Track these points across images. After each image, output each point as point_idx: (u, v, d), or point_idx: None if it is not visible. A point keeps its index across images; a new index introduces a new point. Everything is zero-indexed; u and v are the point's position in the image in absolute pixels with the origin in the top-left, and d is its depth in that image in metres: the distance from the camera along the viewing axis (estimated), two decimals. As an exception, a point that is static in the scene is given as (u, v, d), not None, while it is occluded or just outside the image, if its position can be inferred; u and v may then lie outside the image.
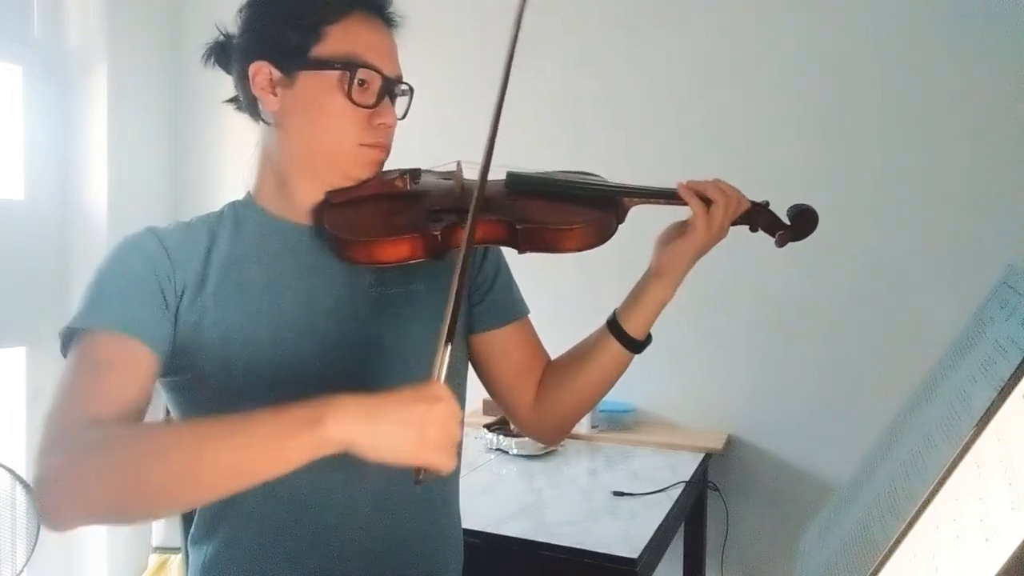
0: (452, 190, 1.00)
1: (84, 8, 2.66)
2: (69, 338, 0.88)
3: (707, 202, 0.96)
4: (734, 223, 1.00)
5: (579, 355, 1.07)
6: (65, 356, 0.88)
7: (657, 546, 1.60)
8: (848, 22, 2.17)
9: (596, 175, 1.09)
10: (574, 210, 0.98)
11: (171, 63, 2.90)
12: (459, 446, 0.75)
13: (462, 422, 0.75)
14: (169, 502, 0.75)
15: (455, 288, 0.80)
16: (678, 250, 0.98)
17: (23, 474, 2.01)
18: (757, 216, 1.02)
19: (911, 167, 2.12)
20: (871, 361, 2.13)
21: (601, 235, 0.97)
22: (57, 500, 0.74)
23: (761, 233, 1.04)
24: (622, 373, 1.06)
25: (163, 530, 2.62)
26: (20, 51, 2.57)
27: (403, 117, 1.01)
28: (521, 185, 1.02)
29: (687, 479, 1.90)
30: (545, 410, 1.10)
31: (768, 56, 2.25)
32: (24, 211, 2.60)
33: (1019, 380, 0.54)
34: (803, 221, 1.03)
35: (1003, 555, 0.44)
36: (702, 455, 2.13)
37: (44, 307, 2.61)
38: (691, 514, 2.11)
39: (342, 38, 0.93)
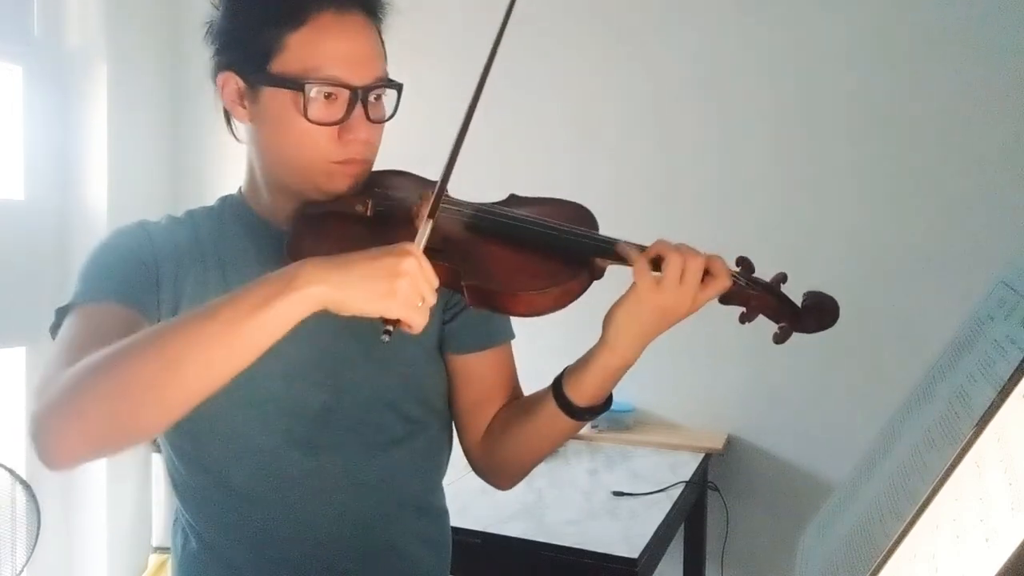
0: (414, 221, 0.86)
1: (84, 8, 2.66)
2: (61, 318, 0.86)
3: (657, 262, 0.83)
4: (725, 302, 0.86)
5: (525, 408, 0.97)
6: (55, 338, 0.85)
7: (657, 546, 1.60)
8: (842, 22, 2.17)
9: (586, 209, 0.96)
10: (536, 268, 0.84)
11: (171, 63, 2.90)
12: (431, 310, 0.74)
13: (437, 291, 0.74)
14: (161, 403, 0.71)
15: (447, 162, 0.78)
16: (619, 307, 0.85)
17: (23, 474, 2.01)
18: (752, 296, 0.85)
19: (910, 167, 2.12)
20: (870, 361, 2.13)
21: (561, 300, 0.83)
22: (55, 434, 0.71)
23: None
24: (566, 438, 0.96)
25: (163, 530, 2.63)
26: (20, 51, 2.57)
27: (391, 116, 0.95)
28: (484, 227, 0.90)
29: (687, 479, 1.90)
30: (488, 451, 1.02)
31: (761, 55, 2.25)
32: (24, 211, 2.60)
33: (1019, 380, 0.54)
34: (817, 313, 0.86)
35: (1003, 555, 0.44)
36: (702, 455, 2.13)
37: (44, 307, 2.57)
38: (691, 514, 2.11)
39: (302, 49, 0.85)
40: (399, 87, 0.93)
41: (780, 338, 0.88)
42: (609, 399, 0.92)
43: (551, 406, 0.91)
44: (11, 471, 1.99)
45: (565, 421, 0.91)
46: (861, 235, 2.15)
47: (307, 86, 0.85)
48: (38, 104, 2.63)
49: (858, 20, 2.16)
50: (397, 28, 0.96)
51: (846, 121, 2.18)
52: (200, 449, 0.94)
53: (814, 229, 2.18)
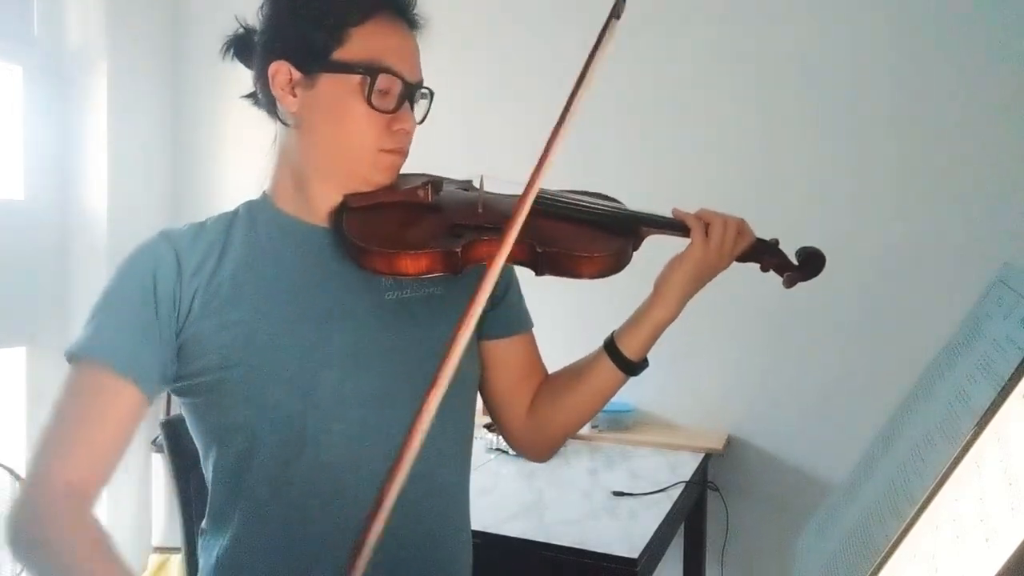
0: (473, 206, 1.00)
1: (84, 8, 2.66)
2: (70, 359, 0.91)
3: (707, 225, 0.99)
4: (743, 259, 1.03)
5: (574, 373, 1.08)
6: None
7: (657, 546, 1.60)
8: (855, 26, 2.17)
9: (612, 198, 1.10)
10: (596, 237, 0.99)
11: (171, 63, 2.90)
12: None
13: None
14: None
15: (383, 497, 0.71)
16: (674, 267, 1.00)
17: (23, 474, 2.01)
18: (765, 254, 1.04)
19: (910, 168, 2.12)
20: (871, 361, 2.13)
21: (619, 264, 0.98)
22: (14, 547, 0.86)
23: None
24: (614, 393, 1.07)
25: (163, 530, 2.62)
26: (20, 51, 2.57)
27: (422, 121, 1.01)
28: (546, 207, 1.02)
29: (687, 479, 1.89)
30: (537, 425, 1.10)
31: (776, 61, 2.25)
32: (24, 211, 2.60)
33: (1019, 380, 0.54)
34: (811, 263, 1.05)
35: (1003, 555, 0.44)
36: (702, 455, 2.13)
37: (44, 307, 2.61)
38: (691, 514, 2.11)
39: (365, 41, 0.93)
40: (432, 94, 1.01)
41: (788, 284, 1.05)
42: (646, 358, 1.05)
43: (606, 366, 1.03)
44: (11, 471, 1.99)
45: (617, 378, 1.04)
46: (860, 236, 2.15)
47: (376, 72, 0.92)
48: (38, 104, 2.62)
49: (859, 20, 2.16)
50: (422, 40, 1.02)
51: (844, 120, 2.18)
52: (265, 443, 0.93)
53: (812, 230, 2.18)
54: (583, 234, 1.00)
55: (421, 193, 0.98)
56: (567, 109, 0.83)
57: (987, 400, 0.56)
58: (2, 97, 2.56)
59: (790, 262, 1.05)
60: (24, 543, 0.85)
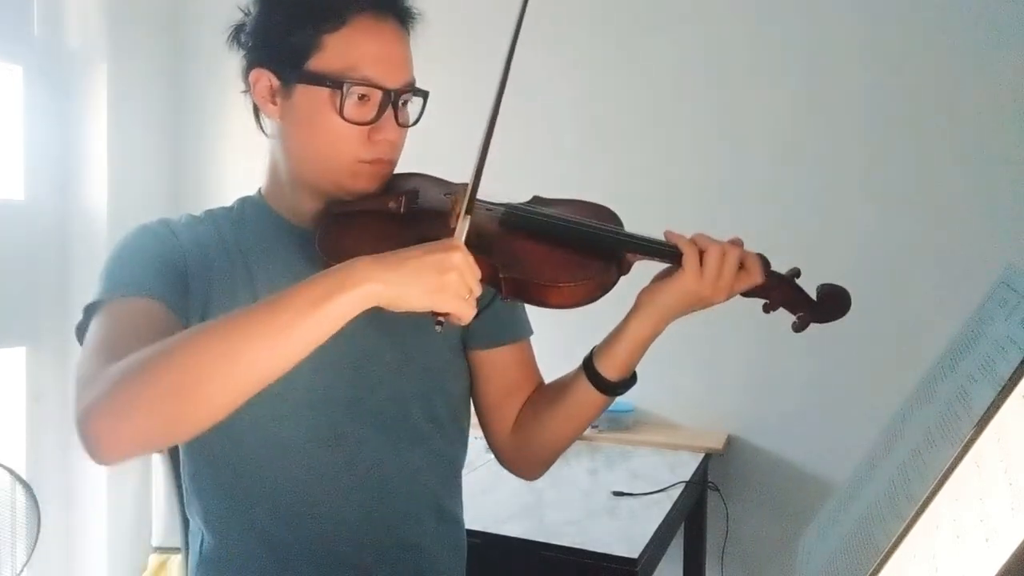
0: (447, 218, 0.90)
1: (84, 8, 2.66)
2: (88, 317, 0.87)
3: (702, 252, 0.88)
4: (748, 295, 0.92)
5: (556, 390, 1.02)
6: (82, 340, 0.86)
7: (657, 546, 1.60)
8: (847, 23, 2.17)
9: (609, 210, 1.01)
10: (569, 261, 0.90)
11: (171, 63, 2.90)
12: (477, 303, 0.77)
13: (481, 283, 0.78)
14: (212, 399, 0.71)
15: (478, 161, 0.80)
16: (659, 290, 0.91)
17: (23, 474, 2.01)
18: (775, 290, 0.91)
19: (911, 167, 2.12)
20: (871, 361, 2.13)
21: (594, 293, 0.88)
22: (106, 431, 0.70)
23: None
24: (597, 414, 1.00)
25: (163, 530, 2.62)
26: (20, 51, 2.57)
27: (415, 123, 0.98)
28: (517, 224, 0.93)
29: (687, 479, 1.90)
30: (520, 442, 1.06)
31: (774, 61, 2.25)
32: (24, 211, 2.59)
33: (1019, 380, 0.54)
34: (832, 303, 0.92)
35: (1003, 555, 0.44)
36: (702, 455, 2.13)
37: (44, 307, 2.61)
38: (691, 514, 2.11)
39: (341, 49, 0.89)
40: (425, 94, 0.96)
41: (799, 327, 0.93)
42: (634, 375, 0.97)
43: (583, 385, 0.96)
44: (11, 471, 1.99)
45: (597, 398, 0.96)
46: (861, 236, 2.15)
47: (345, 84, 0.88)
48: (38, 104, 2.62)
49: (855, 19, 2.16)
50: (421, 36, 0.99)
51: (845, 121, 2.18)
52: (225, 445, 0.94)
53: (814, 230, 2.18)
54: (556, 257, 0.90)
55: (392, 205, 0.92)
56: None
57: (987, 400, 0.56)
58: (2, 97, 2.56)
59: (808, 299, 0.92)
60: (123, 385, 0.72)
